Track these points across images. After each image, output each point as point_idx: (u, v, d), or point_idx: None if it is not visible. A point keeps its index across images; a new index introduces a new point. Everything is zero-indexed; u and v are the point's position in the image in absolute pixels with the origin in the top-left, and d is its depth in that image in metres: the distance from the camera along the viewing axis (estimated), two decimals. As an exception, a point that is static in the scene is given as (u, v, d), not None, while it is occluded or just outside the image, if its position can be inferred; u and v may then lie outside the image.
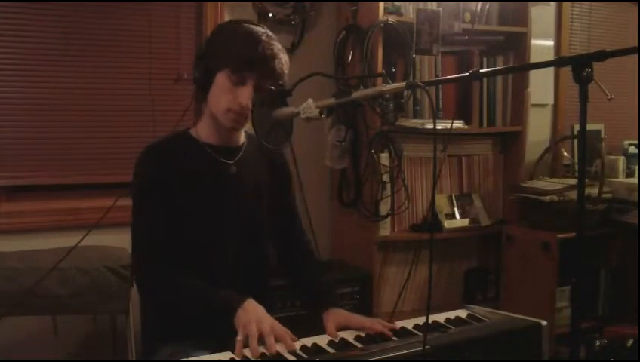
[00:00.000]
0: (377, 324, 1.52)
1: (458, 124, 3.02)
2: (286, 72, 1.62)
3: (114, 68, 2.76)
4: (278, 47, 1.59)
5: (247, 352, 1.35)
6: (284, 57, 1.61)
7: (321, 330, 1.54)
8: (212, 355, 1.34)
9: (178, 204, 1.60)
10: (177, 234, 1.60)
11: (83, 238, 1.79)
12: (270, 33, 1.61)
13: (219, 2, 2.85)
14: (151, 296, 1.65)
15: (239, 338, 1.37)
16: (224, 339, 1.41)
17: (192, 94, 1.70)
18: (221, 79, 1.58)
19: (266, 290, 1.78)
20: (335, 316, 1.61)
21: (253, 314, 1.42)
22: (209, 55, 1.60)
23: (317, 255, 1.92)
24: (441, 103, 3.03)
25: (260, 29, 1.60)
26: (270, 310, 1.50)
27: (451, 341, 1.37)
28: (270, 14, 2.92)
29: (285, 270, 1.87)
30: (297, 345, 1.38)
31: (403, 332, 1.48)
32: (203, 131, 1.68)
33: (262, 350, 1.34)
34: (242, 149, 1.72)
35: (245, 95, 1.56)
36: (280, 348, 1.35)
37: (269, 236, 1.78)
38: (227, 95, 1.57)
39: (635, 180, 3.24)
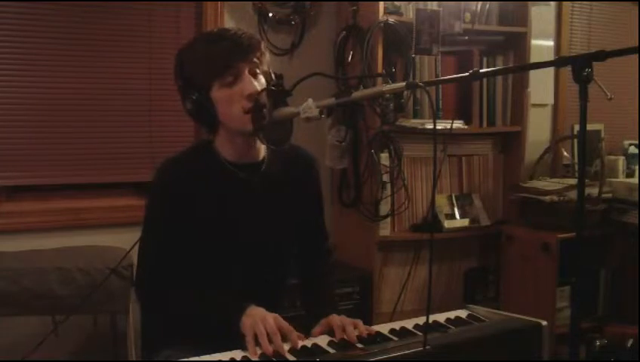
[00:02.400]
0: (351, 333, 1.45)
1: (458, 124, 3.01)
2: (262, 42, 1.58)
3: (114, 68, 2.76)
4: (233, 26, 1.56)
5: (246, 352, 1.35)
6: (246, 31, 1.57)
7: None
8: (213, 355, 1.33)
9: (196, 224, 1.55)
10: (193, 254, 1.57)
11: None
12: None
13: (219, 2, 2.85)
14: (152, 314, 1.65)
15: (249, 339, 1.37)
16: (226, 343, 1.40)
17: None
18: (218, 92, 1.53)
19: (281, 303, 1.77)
20: (324, 320, 1.56)
21: (257, 315, 1.42)
22: (193, 82, 1.54)
23: (333, 276, 1.86)
24: (441, 103, 3.03)
25: (211, 30, 1.57)
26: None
27: (451, 341, 1.37)
28: (270, 14, 2.92)
29: (302, 284, 1.81)
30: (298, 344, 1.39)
31: (403, 332, 1.48)
32: (221, 147, 1.61)
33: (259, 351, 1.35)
34: (264, 164, 1.65)
35: (247, 85, 1.51)
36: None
37: (292, 254, 1.74)
38: (233, 100, 1.51)
39: (635, 180, 3.24)
